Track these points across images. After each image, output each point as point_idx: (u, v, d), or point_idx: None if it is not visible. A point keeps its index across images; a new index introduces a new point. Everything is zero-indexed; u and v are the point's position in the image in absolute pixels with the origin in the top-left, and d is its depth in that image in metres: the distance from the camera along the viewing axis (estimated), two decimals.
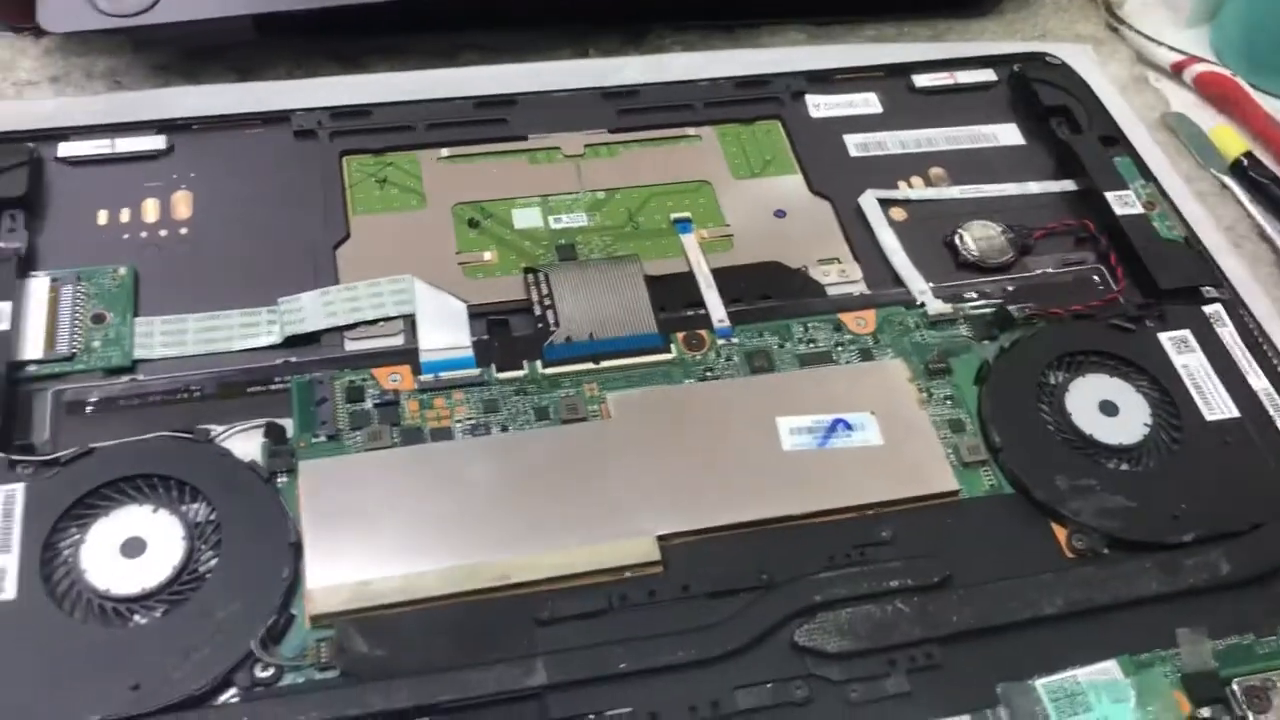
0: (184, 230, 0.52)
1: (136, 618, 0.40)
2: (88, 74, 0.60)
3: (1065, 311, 0.52)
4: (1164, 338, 0.51)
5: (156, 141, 0.54)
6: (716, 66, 0.63)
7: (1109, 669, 0.41)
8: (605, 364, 0.48)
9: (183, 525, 0.41)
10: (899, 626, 0.41)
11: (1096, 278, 0.55)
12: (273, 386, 0.46)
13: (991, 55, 0.65)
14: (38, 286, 0.48)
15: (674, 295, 0.51)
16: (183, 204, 0.53)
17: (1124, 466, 0.47)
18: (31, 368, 0.46)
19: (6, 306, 0.46)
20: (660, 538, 0.43)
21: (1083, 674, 0.41)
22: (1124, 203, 0.56)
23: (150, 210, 0.52)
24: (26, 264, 0.49)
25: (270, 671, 0.39)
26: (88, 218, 0.52)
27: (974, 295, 0.53)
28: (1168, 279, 0.53)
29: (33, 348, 0.46)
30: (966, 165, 0.59)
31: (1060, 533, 0.45)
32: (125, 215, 0.52)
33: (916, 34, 0.70)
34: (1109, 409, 0.48)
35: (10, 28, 0.62)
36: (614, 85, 0.60)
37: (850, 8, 0.69)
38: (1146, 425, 0.48)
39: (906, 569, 0.43)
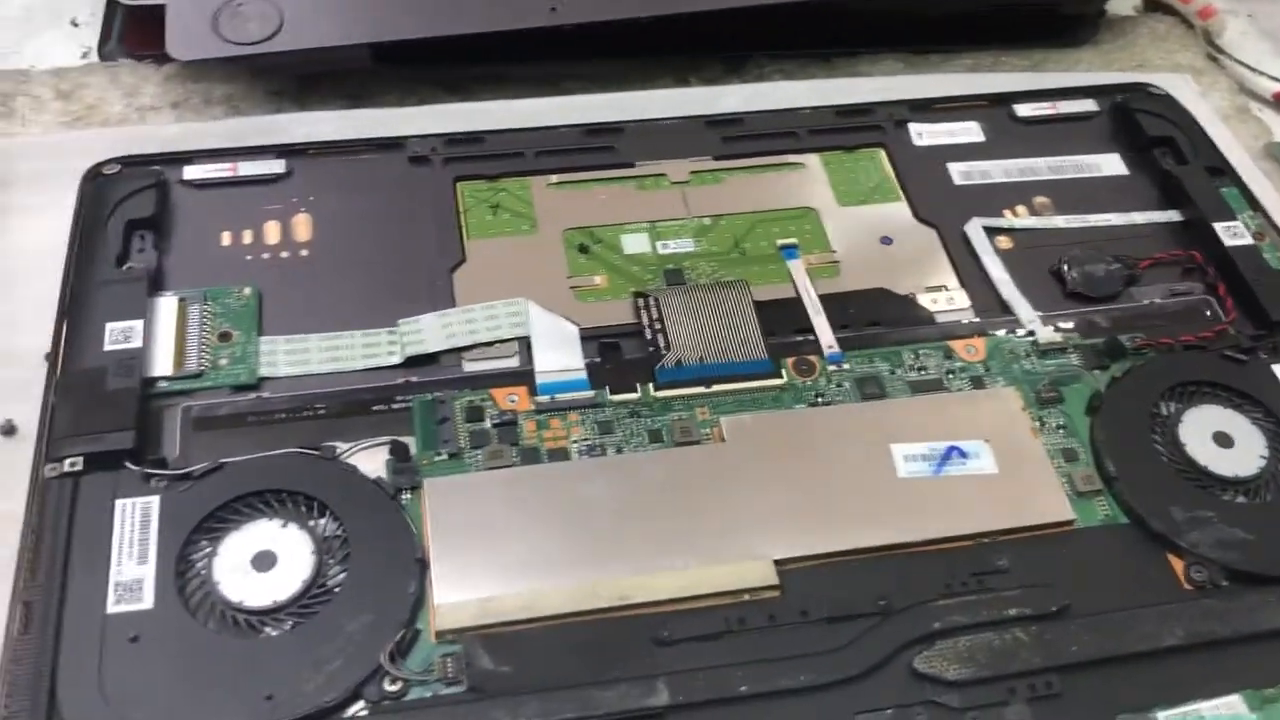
0: (304, 252, 0.53)
1: (268, 629, 0.41)
2: (206, 99, 0.62)
3: (1175, 342, 0.52)
4: (1278, 369, 0.51)
5: (276, 165, 0.56)
6: (818, 95, 0.63)
7: (1233, 703, 0.40)
8: (716, 388, 0.49)
9: (311, 540, 0.42)
10: (1018, 655, 0.41)
11: (1205, 309, 0.54)
12: (394, 405, 0.47)
13: (1093, 85, 0.64)
14: (166, 305, 0.50)
15: (782, 321, 0.52)
16: (302, 226, 0.54)
17: (1240, 499, 0.47)
18: (162, 384, 0.47)
19: (139, 325, 0.48)
20: (777, 562, 0.43)
21: (1206, 708, 0.40)
22: (1233, 233, 0.56)
23: (272, 232, 0.53)
24: (155, 284, 0.50)
25: (398, 685, 0.39)
26: (212, 238, 0.53)
27: (1083, 324, 0.52)
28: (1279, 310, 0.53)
29: (163, 365, 0.48)
30: (1070, 195, 0.59)
31: (1177, 564, 0.44)
32: (248, 236, 0.53)
33: (1013, 64, 0.70)
34: (1224, 440, 0.48)
35: (134, 56, 0.64)
36: (718, 113, 0.61)
37: (947, 38, 0.70)
38: (1263, 458, 0.48)
39: (1024, 597, 0.43)
